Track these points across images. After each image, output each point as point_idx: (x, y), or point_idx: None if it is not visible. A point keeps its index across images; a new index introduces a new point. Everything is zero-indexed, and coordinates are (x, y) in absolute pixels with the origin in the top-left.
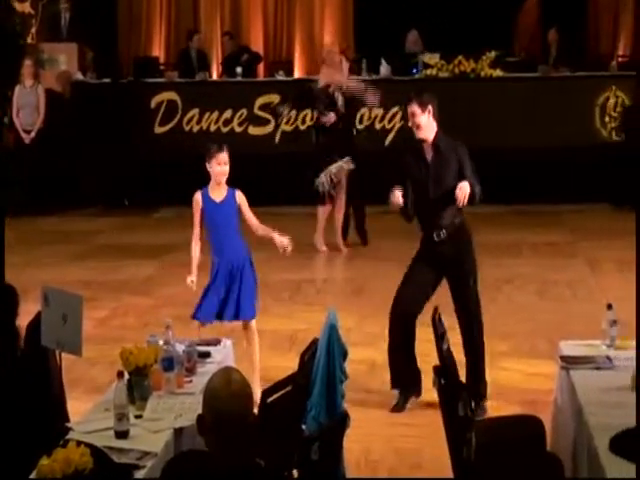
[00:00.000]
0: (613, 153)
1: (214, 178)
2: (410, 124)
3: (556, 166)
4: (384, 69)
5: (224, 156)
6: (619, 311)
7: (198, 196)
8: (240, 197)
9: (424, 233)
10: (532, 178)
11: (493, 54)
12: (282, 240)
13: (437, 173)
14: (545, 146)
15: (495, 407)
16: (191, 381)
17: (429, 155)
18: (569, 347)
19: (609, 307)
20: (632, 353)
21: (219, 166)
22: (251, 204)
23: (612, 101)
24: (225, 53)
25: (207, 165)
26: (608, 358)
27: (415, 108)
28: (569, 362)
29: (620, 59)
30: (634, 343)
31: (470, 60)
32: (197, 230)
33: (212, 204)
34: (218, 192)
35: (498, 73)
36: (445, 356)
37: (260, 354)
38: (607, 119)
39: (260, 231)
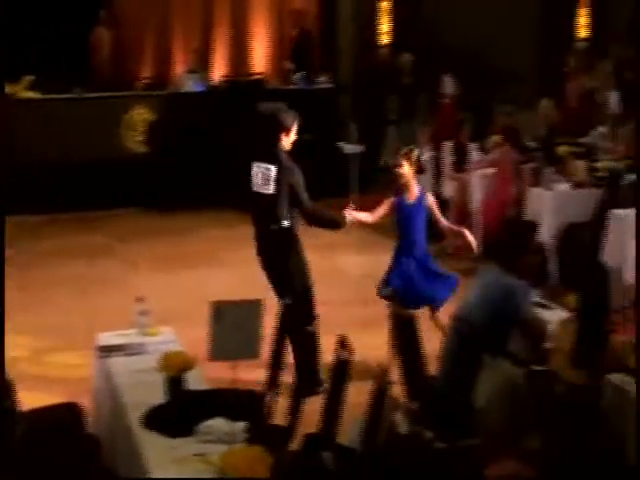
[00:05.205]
0: (139, 162)
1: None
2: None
3: (92, 176)
4: None
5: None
6: (151, 302)
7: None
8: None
9: None
10: (70, 188)
11: (32, 77)
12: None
13: None
14: (82, 159)
15: (41, 399)
16: None
17: None
18: (106, 338)
19: (139, 300)
20: (160, 338)
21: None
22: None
23: (138, 117)
24: None
25: None
26: (141, 344)
27: None
28: (106, 351)
29: (145, 80)
30: (161, 330)
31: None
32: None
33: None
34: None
35: (35, 95)
36: None
37: None
38: (134, 133)
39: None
